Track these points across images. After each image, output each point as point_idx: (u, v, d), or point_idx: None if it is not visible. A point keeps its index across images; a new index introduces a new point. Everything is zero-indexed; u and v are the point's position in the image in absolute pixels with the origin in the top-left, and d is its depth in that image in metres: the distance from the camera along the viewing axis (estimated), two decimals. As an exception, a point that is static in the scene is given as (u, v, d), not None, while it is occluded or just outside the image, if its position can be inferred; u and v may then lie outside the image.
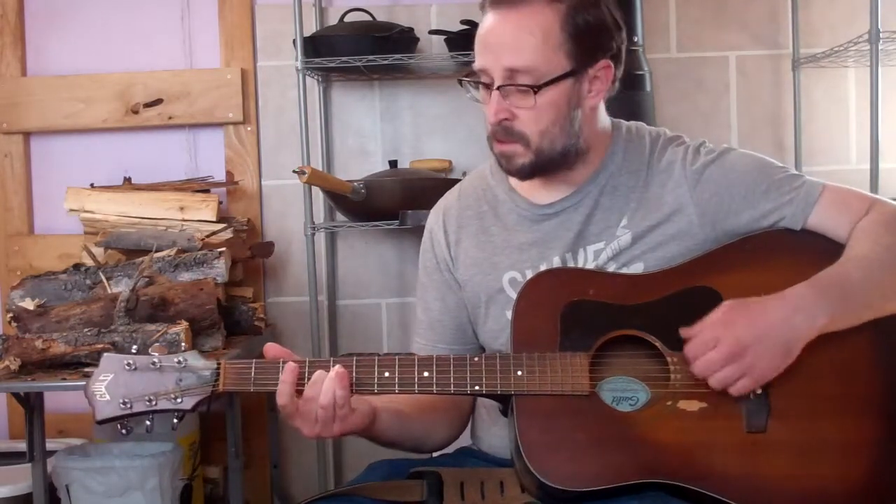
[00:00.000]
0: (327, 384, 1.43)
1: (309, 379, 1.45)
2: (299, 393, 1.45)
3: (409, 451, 1.68)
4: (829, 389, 1.47)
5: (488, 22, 1.55)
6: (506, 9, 1.53)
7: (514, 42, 1.52)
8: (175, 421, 1.48)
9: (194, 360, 1.47)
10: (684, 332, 1.46)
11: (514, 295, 1.58)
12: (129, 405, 1.44)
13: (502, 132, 1.56)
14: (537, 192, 1.65)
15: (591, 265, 1.60)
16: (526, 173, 1.59)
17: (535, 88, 1.52)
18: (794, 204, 1.56)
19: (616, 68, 1.60)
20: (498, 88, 1.53)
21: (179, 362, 1.46)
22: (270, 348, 1.49)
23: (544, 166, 1.58)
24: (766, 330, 1.43)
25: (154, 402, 1.45)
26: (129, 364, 1.45)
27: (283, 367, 1.45)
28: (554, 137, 1.56)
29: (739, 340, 1.42)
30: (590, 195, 1.62)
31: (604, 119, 1.65)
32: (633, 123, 1.69)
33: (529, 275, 1.61)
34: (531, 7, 1.52)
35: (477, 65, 1.57)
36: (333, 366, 1.45)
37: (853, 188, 1.61)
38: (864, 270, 1.49)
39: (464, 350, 1.69)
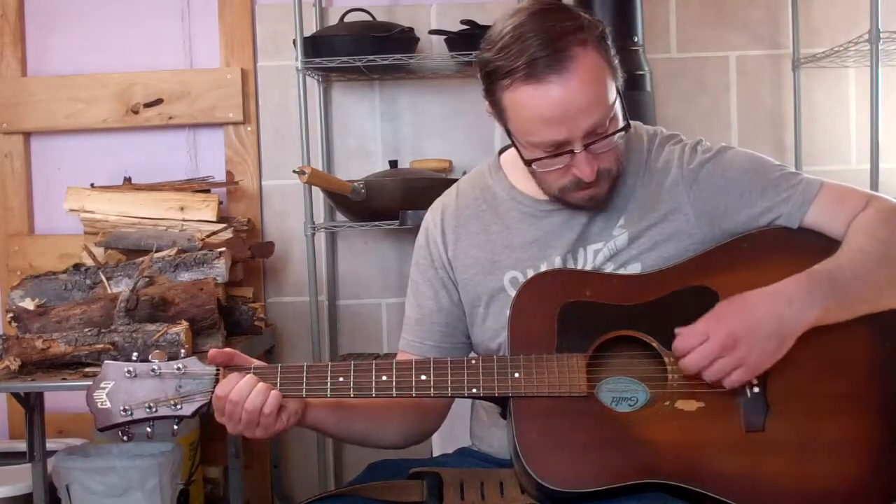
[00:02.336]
0: (260, 388, 1.46)
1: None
2: None
3: (362, 446, 1.70)
4: (828, 388, 1.47)
5: (545, 98, 1.45)
6: (559, 77, 1.44)
7: (590, 102, 1.46)
8: (175, 426, 1.49)
9: (194, 366, 1.48)
10: (677, 330, 1.46)
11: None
12: (129, 412, 1.46)
13: (594, 180, 1.52)
14: (538, 188, 1.64)
15: (589, 265, 1.60)
16: (608, 200, 1.59)
17: (627, 128, 1.51)
18: (791, 202, 1.56)
19: None
20: (585, 147, 1.49)
21: (179, 369, 1.47)
22: (217, 355, 1.50)
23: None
24: (757, 322, 1.43)
25: (154, 409, 1.46)
26: (129, 371, 1.46)
27: (224, 373, 1.48)
28: (623, 161, 1.58)
29: (731, 333, 1.42)
30: None
31: None
32: (630, 122, 1.69)
33: (530, 274, 1.61)
34: (579, 62, 1.45)
35: (547, 139, 1.48)
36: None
37: (852, 185, 1.61)
38: (858, 263, 1.49)
39: (451, 349, 1.69)
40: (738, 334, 1.42)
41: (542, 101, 1.46)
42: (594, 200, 1.57)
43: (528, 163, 1.54)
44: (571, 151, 1.49)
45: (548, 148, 1.50)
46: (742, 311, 1.45)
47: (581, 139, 1.48)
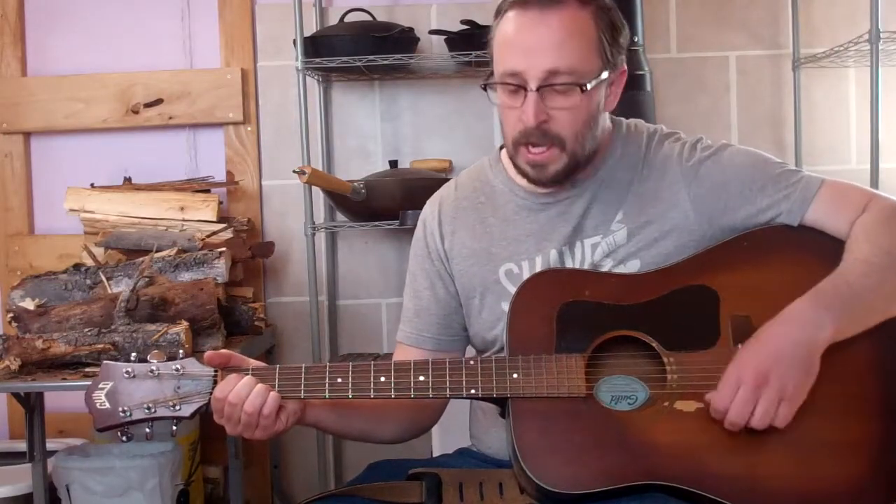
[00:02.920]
0: (259, 389, 1.46)
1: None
2: None
3: (362, 441, 1.72)
4: (827, 389, 1.46)
5: (521, 23, 1.51)
6: (541, 10, 1.50)
7: (558, 43, 1.49)
8: (174, 427, 1.49)
9: (192, 366, 1.48)
10: (707, 396, 1.44)
11: (510, 287, 1.59)
12: (128, 413, 1.46)
13: (538, 136, 1.53)
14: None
15: (587, 259, 1.60)
16: (559, 179, 1.57)
17: (583, 87, 1.51)
18: (791, 199, 1.55)
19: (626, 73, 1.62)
20: (537, 90, 1.51)
21: (178, 370, 1.47)
22: (213, 357, 1.50)
23: (573, 171, 1.57)
24: (777, 353, 1.42)
25: (153, 410, 1.46)
26: (128, 372, 1.46)
27: (222, 375, 1.48)
28: (585, 139, 1.56)
29: (757, 371, 1.40)
30: (589, 188, 1.62)
31: (607, 118, 1.66)
32: (632, 121, 1.70)
33: (525, 266, 1.61)
34: (568, 9, 1.50)
35: (507, 68, 1.52)
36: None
37: (853, 183, 1.60)
38: (864, 276, 1.48)
39: (449, 340, 1.70)
40: (765, 369, 1.41)
41: (515, 24, 1.52)
42: (541, 171, 1.56)
43: (484, 87, 1.57)
44: (526, 92, 1.51)
45: (507, 78, 1.53)
46: (758, 348, 1.43)
47: (536, 79, 1.50)
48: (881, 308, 1.49)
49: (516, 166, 1.61)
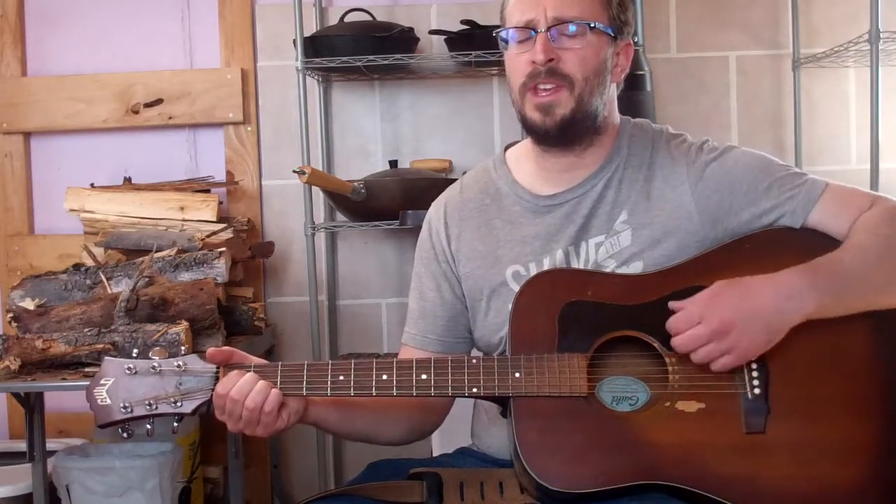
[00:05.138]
0: (260, 386, 1.46)
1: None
2: None
3: (365, 442, 1.70)
4: (829, 390, 1.47)
5: None
6: None
7: None
8: (175, 424, 1.49)
9: (194, 363, 1.48)
10: (672, 304, 1.47)
11: (517, 288, 1.58)
12: (129, 409, 1.45)
13: (547, 74, 1.55)
14: (540, 184, 1.65)
15: (591, 259, 1.60)
16: (565, 124, 1.57)
17: (591, 25, 1.54)
18: (795, 201, 1.56)
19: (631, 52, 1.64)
20: (547, 31, 1.54)
21: (179, 366, 1.47)
22: (216, 353, 1.50)
23: (578, 123, 1.58)
24: (753, 312, 1.44)
25: (154, 406, 1.46)
26: (129, 368, 1.46)
27: (224, 371, 1.48)
28: (593, 88, 1.57)
29: (724, 320, 1.43)
30: (594, 188, 1.62)
31: (615, 111, 1.67)
32: (638, 120, 1.70)
33: (532, 268, 1.61)
34: None
35: (520, 19, 1.57)
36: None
37: (857, 187, 1.61)
38: (858, 260, 1.49)
39: (454, 342, 1.70)
40: (731, 322, 1.43)
41: None
42: (548, 113, 1.57)
43: (494, 36, 1.62)
44: (536, 34, 1.55)
45: (517, 30, 1.57)
46: (740, 297, 1.45)
47: (545, 21, 1.54)
48: (870, 294, 1.49)
49: (523, 118, 1.61)
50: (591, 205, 1.62)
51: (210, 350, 1.50)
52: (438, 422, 1.74)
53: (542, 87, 1.56)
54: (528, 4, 1.56)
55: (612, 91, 1.64)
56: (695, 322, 1.44)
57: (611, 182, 1.62)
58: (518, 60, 1.58)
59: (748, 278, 1.47)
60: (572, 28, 1.54)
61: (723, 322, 1.43)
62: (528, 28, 1.56)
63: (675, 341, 1.45)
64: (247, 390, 1.46)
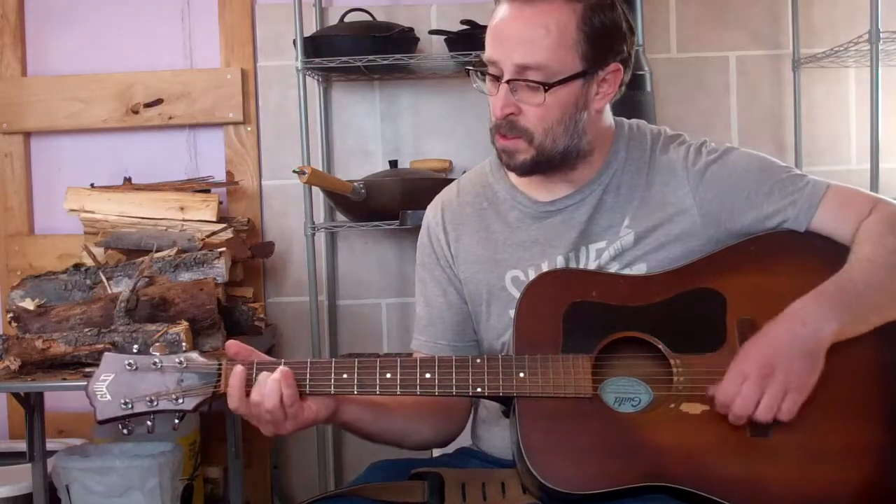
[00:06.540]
0: (272, 385, 1.43)
1: (256, 380, 1.44)
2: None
3: (392, 446, 1.66)
4: (834, 394, 1.46)
5: (503, 13, 1.53)
6: (523, 2, 1.51)
7: (529, 38, 1.50)
8: (176, 421, 1.48)
9: (195, 360, 1.46)
10: (710, 389, 1.44)
11: (516, 294, 1.58)
12: (130, 405, 1.44)
13: (506, 127, 1.54)
14: (539, 190, 1.64)
15: (593, 264, 1.59)
16: (526, 170, 1.58)
17: (546, 86, 1.51)
18: (798, 205, 1.55)
19: (625, 72, 1.59)
20: (507, 82, 1.52)
21: (181, 362, 1.45)
22: (232, 345, 1.49)
23: (545, 164, 1.57)
24: (782, 346, 1.42)
25: (155, 403, 1.44)
26: (130, 364, 1.45)
27: (231, 370, 1.45)
28: (557, 136, 1.55)
29: (762, 363, 1.41)
30: (593, 194, 1.62)
31: (608, 119, 1.65)
32: (634, 121, 1.69)
33: (532, 273, 1.61)
34: (550, 3, 1.50)
35: (487, 56, 1.55)
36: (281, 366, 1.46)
37: (857, 188, 1.60)
38: (867, 275, 1.48)
39: (465, 346, 1.69)
40: (770, 361, 1.41)
41: (500, 13, 1.54)
42: (510, 158, 1.57)
43: (467, 72, 1.61)
44: (498, 79, 1.53)
45: (488, 64, 1.55)
46: (762, 342, 1.44)
47: (508, 71, 1.51)
48: (886, 307, 1.49)
49: (500, 156, 1.61)
50: (591, 210, 1.61)
51: (231, 342, 1.48)
52: (463, 424, 1.72)
53: (502, 134, 1.56)
54: (496, 41, 1.53)
55: (602, 112, 1.61)
56: (741, 382, 1.41)
57: (609, 187, 1.61)
58: (490, 98, 1.57)
59: (762, 329, 1.45)
60: (532, 82, 1.51)
61: (761, 366, 1.41)
62: (492, 73, 1.54)
63: (735, 409, 1.41)
64: (263, 391, 1.43)
